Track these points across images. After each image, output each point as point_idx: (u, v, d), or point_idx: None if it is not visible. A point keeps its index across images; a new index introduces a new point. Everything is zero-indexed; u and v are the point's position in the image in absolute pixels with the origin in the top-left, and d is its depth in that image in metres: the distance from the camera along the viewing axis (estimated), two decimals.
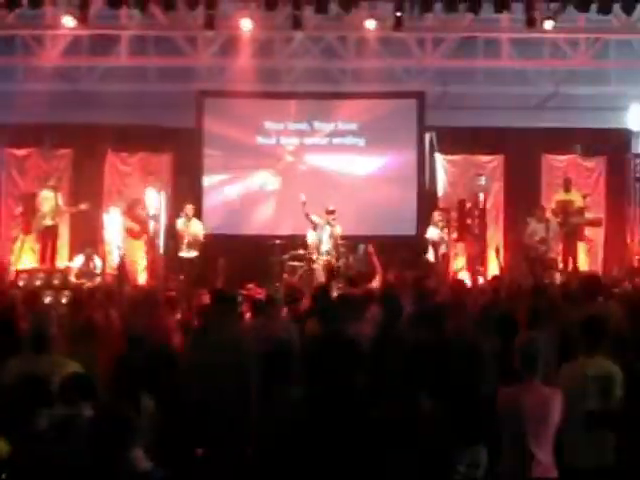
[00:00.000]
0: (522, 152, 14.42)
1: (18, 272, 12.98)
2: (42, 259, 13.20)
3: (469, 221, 13.81)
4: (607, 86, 14.67)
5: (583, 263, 14.00)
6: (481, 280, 12.66)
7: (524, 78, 14.48)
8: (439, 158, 14.66)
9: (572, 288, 7.97)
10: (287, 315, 7.35)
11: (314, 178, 14.48)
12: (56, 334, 5.39)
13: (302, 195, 12.49)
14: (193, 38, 13.73)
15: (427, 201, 14.37)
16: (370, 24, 12.50)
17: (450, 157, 14.69)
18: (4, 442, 3.82)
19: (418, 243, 13.42)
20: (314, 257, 12.43)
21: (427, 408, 4.76)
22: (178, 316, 7.51)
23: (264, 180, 14.69)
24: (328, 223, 12.46)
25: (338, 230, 12.53)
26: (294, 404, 4.58)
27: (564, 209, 13.74)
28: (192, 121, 14.39)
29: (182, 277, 12.45)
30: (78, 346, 5.61)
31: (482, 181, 14.18)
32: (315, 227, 12.49)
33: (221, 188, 14.62)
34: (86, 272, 12.56)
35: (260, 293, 9.92)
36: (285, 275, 12.62)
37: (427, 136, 14.56)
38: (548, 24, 12.08)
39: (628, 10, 11.53)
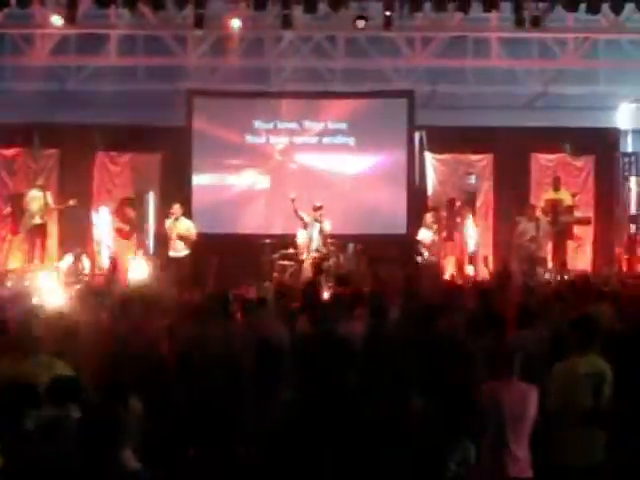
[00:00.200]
0: (511, 151, 14.45)
1: (7, 272, 12.92)
2: (30, 259, 13.14)
3: (458, 220, 13.84)
4: (596, 85, 14.72)
5: (572, 262, 14.04)
6: (471, 279, 12.68)
7: (513, 77, 14.51)
8: (429, 157, 14.68)
9: (563, 288, 7.99)
10: (277, 312, 7.33)
11: (304, 177, 14.48)
12: (44, 334, 5.35)
13: (292, 193, 12.50)
14: (182, 37, 13.71)
15: (417, 200, 14.39)
16: (359, 23, 12.50)
17: (440, 156, 14.71)
18: None
19: (408, 242, 13.42)
20: (304, 256, 12.42)
21: (418, 407, 4.76)
22: (167, 316, 7.47)
23: (254, 179, 14.67)
24: (316, 220, 12.46)
25: (327, 226, 12.52)
26: (285, 404, 4.57)
27: (553, 208, 13.79)
28: (182, 120, 14.36)
29: (171, 277, 12.40)
30: (66, 346, 5.57)
31: (472, 180, 14.20)
32: (305, 225, 12.49)
33: (211, 187, 14.58)
34: (75, 272, 12.50)
35: (251, 293, 9.89)
36: (275, 274, 12.61)
37: (417, 135, 14.58)
38: (537, 23, 12.09)
39: (617, 10, 11.55)
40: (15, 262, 13.54)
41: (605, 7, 11.52)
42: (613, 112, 15.09)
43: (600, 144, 14.78)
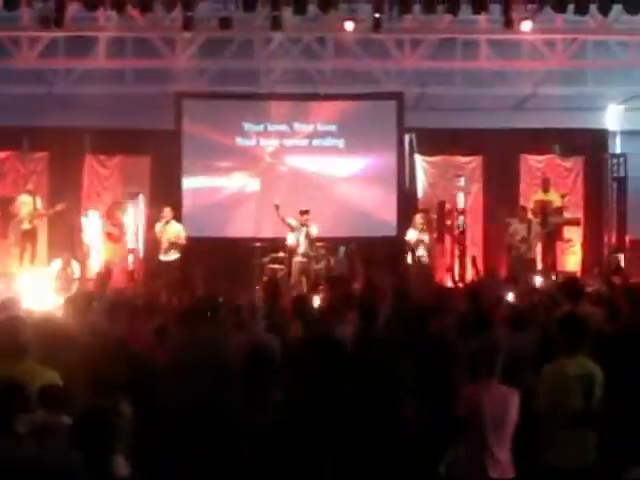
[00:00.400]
0: (501, 153, 14.50)
1: None
2: (21, 263, 13.07)
3: (449, 222, 13.87)
4: (584, 86, 14.78)
5: (561, 263, 14.08)
6: (461, 281, 12.70)
7: (502, 79, 14.55)
8: (418, 159, 14.71)
9: (552, 289, 8.00)
10: (267, 315, 7.31)
11: (294, 180, 14.47)
12: (32, 340, 5.32)
13: (277, 199, 12.48)
14: (171, 40, 13.67)
15: (407, 202, 14.40)
16: (349, 25, 12.50)
17: (429, 158, 14.73)
18: None
19: (399, 244, 13.43)
20: (293, 260, 12.42)
21: (410, 409, 4.77)
22: (157, 320, 7.44)
23: (244, 182, 14.65)
24: (302, 224, 12.45)
25: (314, 230, 12.51)
26: (276, 406, 4.57)
27: (543, 209, 13.83)
28: (171, 123, 14.33)
29: (162, 281, 12.36)
30: (55, 352, 5.54)
31: (461, 182, 14.23)
32: (292, 230, 12.49)
33: (201, 190, 14.55)
34: (64, 277, 12.44)
35: (241, 297, 9.85)
36: (265, 278, 12.57)
37: (407, 137, 14.60)
38: (526, 25, 12.14)
39: (604, 11, 11.60)
40: (4, 267, 13.46)
41: (593, 8, 11.57)
42: (601, 113, 15.16)
43: (589, 145, 14.84)
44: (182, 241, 12.76)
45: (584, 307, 6.90)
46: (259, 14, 12.16)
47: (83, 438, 3.49)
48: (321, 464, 4.35)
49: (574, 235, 14.49)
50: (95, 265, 13.23)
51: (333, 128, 14.69)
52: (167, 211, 12.90)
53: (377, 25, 11.82)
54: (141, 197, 13.87)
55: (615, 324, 6.42)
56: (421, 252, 12.83)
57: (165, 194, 13.89)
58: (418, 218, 13.19)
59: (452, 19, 12.37)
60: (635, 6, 11.38)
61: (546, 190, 14.09)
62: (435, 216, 13.80)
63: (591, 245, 14.60)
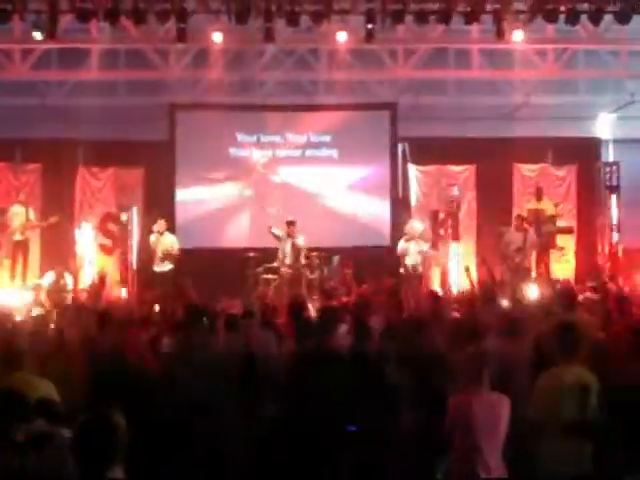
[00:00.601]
0: (494, 162, 14.51)
1: None
2: (12, 275, 13.03)
3: (442, 232, 13.87)
4: (576, 95, 14.84)
5: (555, 271, 14.09)
6: (455, 291, 12.68)
7: (494, 88, 14.62)
8: (412, 169, 14.72)
9: (547, 298, 8.01)
10: (262, 326, 7.30)
11: (287, 190, 14.48)
12: (27, 352, 5.31)
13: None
14: (164, 51, 13.70)
15: (401, 212, 14.41)
16: (342, 36, 12.54)
17: (422, 168, 14.75)
18: None
19: (392, 254, 13.42)
20: (280, 271, 12.44)
21: (408, 419, 4.77)
22: (152, 331, 7.43)
23: (238, 193, 14.65)
24: (289, 235, 12.44)
25: (300, 241, 12.49)
26: (271, 418, 4.56)
27: (536, 218, 13.86)
28: (164, 134, 14.33)
29: (156, 291, 12.33)
30: (49, 363, 5.53)
31: (455, 191, 14.25)
32: (279, 240, 12.50)
33: (194, 201, 14.53)
34: (57, 289, 12.39)
35: (235, 307, 9.85)
36: (259, 288, 12.57)
37: (400, 147, 14.63)
38: (517, 35, 12.21)
39: (595, 21, 11.68)
40: None
41: (584, 18, 11.64)
42: (593, 122, 15.22)
43: (582, 154, 14.89)
44: (176, 252, 12.76)
45: (579, 315, 6.91)
46: (252, 26, 12.18)
47: (83, 448, 3.48)
48: (320, 474, 4.34)
49: (567, 243, 14.52)
50: (88, 277, 13.19)
51: (327, 138, 14.71)
52: (161, 223, 12.89)
53: (370, 36, 11.86)
54: (134, 209, 13.85)
55: (609, 332, 6.43)
56: (413, 261, 12.72)
57: (158, 205, 13.86)
58: (409, 228, 13.07)
59: (444, 29, 12.43)
60: (625, 16, 11.47)
61: (539, 199, 14.13)
62: (428, 225, 13.78)
63: (584, 253, 14.62)
